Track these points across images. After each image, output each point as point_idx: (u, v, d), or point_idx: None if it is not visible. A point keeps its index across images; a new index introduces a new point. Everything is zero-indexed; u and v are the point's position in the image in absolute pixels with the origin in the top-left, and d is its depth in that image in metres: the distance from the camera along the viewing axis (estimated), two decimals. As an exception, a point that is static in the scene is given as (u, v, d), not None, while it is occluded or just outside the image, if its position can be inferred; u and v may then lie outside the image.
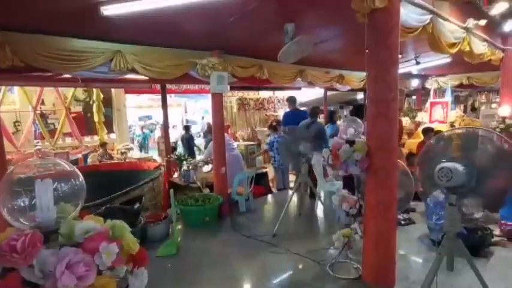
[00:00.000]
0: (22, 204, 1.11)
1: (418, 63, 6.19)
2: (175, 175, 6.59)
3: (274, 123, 6.60)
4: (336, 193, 3.12)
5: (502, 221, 3.50)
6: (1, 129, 3.65)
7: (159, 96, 7.83)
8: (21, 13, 2.68)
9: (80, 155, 8.14)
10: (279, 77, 5.46)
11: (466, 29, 4.08)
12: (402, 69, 6.30)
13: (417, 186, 2.73)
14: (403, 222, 3.93)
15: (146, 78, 4.58)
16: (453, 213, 2.02)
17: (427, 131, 5.78)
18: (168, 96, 7.63)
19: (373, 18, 2.44)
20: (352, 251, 3.02)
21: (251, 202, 5.02)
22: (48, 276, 0.96)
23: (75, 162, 7.44)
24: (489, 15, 4.19)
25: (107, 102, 9.60)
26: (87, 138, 9.49)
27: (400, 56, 2.69)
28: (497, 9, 4.01)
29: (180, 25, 3.29)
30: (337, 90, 7.96)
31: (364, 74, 2.66)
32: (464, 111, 12.44)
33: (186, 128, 9.53)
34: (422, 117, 9.36)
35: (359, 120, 3.21)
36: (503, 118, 5.70)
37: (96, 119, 9.13)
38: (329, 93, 9.77)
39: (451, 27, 3.78)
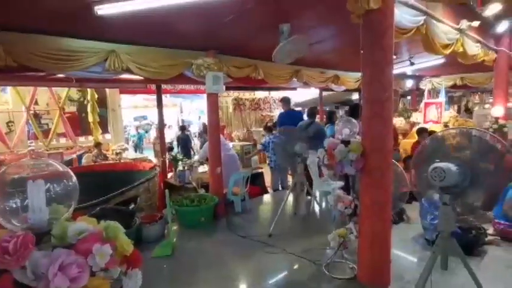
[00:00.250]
0: (14, 205, 1.10)
1: (412, 64, 6.25)
2: (170, 175, 6.57)
3: (269, 124, 6.59)
4: (332, 193, 3.12)
5: (496, 220, 3.53)
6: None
7: (154, 96, 7.80)
8: (15, 12, 2.65)
9: (74, 156, 8.07)
10: (274, 77, 5.48)
11: (460, 30, 4.13)
12: (397, 70, 6.34)
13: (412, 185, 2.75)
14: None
15: (141, 78, 4.55)
16: (447, 213, 2.03)
17: (421, 132, 5.82)
18: (163, 96, 7.61)
19: (368, 19, 2.46)
20: (347, 250, 3.02)
21: (247, 202, 5.02)
22: (40, 278, 0.95)
23: (69, 162, 7.39)
24: (482, 17, 4.23)
25: (102, 102, 9.54)
26: (81, 139, 9.43)
27: (394, 57, 2.70)
28: (490, 11, 4.05)
29: (175, 25, 3.28)
30: (332, 90, 8.00)
31: (359, 74, 2.68)
32: (458, 111, 12.55)
33: (182, 128, 9.50)
34: (417, 117, 9.43)
35: (354, 121, 3.22)
36: (496, 118, 5.77)
37: (90, 119, 9.07)
38: (324, 93, 9.80)
39: (445, 29, 3.82)
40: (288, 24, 3.39)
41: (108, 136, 10.02)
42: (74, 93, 9.21)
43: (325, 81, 6.75)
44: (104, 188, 4.21)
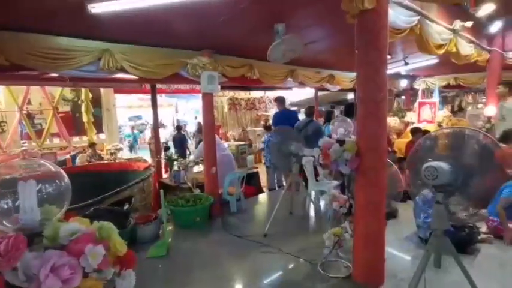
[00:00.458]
0: (6, 206, 1.08)
1: (406, 63, 6.29)
2: (165, 175, 6.54)
3: (268, 124, 6.62)
4: (327, 192, 3.14)
5: (490, 217, 3.56)
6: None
7: (149, 96, 7.75)
8: (6, 11, 2.61)
9: (67, 156, 7.99)
10: (269, 77, 5.47)
11: (453, 31, 4.16)
12: (391, 69, 6.38)
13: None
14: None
15: (136, 77, 4.53)
16: (440, 211, 2.05)
17: (416, 131, 5.87)
18: (158, 96, 7.57)
19: (362, 19, 2.47)
20: (342, 249, 3.04)
21: (242, 202, 5.01)
22: (32, 279, 0.94)
23: (62, 163, 7.31)
24: (475, 17, 4.27)
25: (96, 102, 9.47)
26: (75, 139, 9.35)
27: (389, 57, 2.72)
28: (483, 11, 4.08)
29: (170, 24, 3.27)
30: (327, 90, 8.02)
31: (354, 74, 2.69)
32: (452, 111, 12.66)
33: (178, 128, 9.46)
34: (411, 117, 9.50)
35: (349, 120, 3.24)
36: (489, 118, 5.82)
37: (84, 119, 9.00)
38: (320, 93, 9.82)
39: (439, 29, 3.85)
40: (283, 24, 3.39)
41: (102, 136, 9.95)
42: (68, 92, 9.12)
43: (321, 81, 6.77)
44: (99, 188, 4.18)
